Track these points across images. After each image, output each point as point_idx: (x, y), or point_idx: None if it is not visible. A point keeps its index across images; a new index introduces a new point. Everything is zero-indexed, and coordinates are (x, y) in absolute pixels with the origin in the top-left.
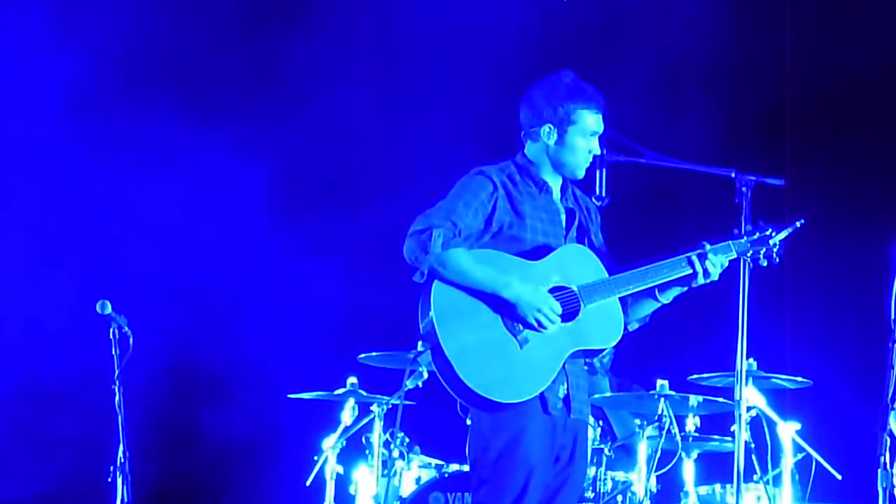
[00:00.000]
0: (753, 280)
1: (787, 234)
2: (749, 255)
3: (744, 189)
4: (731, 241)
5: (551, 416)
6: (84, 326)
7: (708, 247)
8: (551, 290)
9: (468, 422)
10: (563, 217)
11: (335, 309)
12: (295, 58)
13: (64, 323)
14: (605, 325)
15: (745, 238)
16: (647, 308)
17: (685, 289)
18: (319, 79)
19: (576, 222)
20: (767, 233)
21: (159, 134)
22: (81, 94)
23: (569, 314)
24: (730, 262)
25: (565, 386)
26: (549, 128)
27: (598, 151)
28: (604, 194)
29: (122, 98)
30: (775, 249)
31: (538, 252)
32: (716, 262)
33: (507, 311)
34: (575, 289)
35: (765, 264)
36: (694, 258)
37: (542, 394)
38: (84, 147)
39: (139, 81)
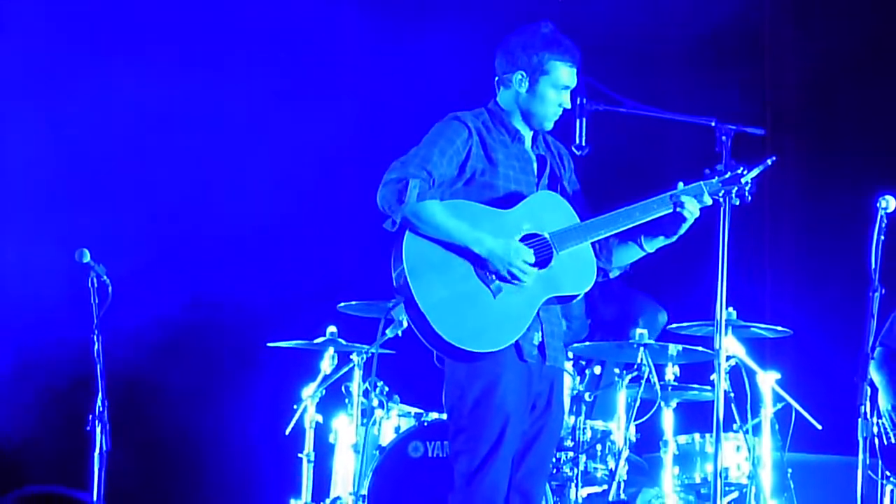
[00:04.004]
0: (733, 229)
1: (758, 171)
2: (721, 194)
3: (724, 138)
4: (702, 182)
5: (527, 364)
6: (63, 274)
7: (681, 186)
8: (523, 238)
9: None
10: (535, 165)
11: (315, 257)
12: None
13: (43, 271)
14: (577, 271)
15: (717, 178)
16: (631, 255)
17: (673, 239)
18: None
19: (547, 169)
20: (739, 171)
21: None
22: None
23: (541, 261)
24: (709, 206)
25: (540, 333)
26: (522, 75)
27: (568, 105)
28: (584, 143)
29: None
30: (747, 188)
31: (510, 200)
32: (689, 202)
33: (480, 262)
34: (547, 236)
35: (737, 203)
36: (666, 199)
37: (517, 342)
38: (57, 88)
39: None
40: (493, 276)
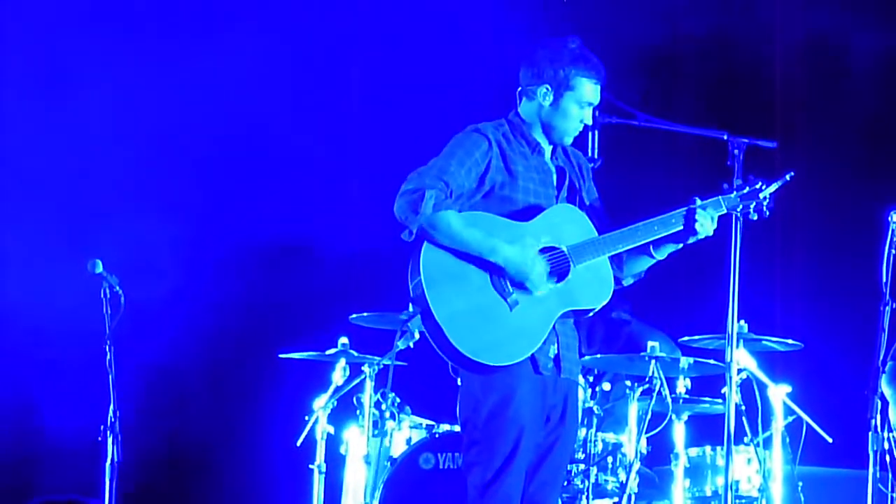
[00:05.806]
0: (744, 242)
1: (777, 186)
2: (739, 209)
3: (736, 151)
4: (720, 197)
5: (542, 377)
6: (76, 285)
7: (698, 202)
8: (541, 251)
9: (459, 382)
10: (555, 177)
11: (327, 269)
12: None
13: (56, 282)
14: (594, 286)
15: (735, 193)
16: (643, 264)
17: (680, 245)
18: None
19: (566, 181)
20: (757, 186)
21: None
22: None
23: (558, 275)
24: (721, 219)
25: (556, 346)
26: (547, 89)
27: (589, 122)
28: (596, 156)
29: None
30: (765, 203)
31: (529, 212)
32: (706, 218)
33: (496, 272)
34: (564, 249)
35: (755, 218)
36: (684, 214)
37: (532, 354)
38: (69, 99)
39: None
40: (511, 288)
